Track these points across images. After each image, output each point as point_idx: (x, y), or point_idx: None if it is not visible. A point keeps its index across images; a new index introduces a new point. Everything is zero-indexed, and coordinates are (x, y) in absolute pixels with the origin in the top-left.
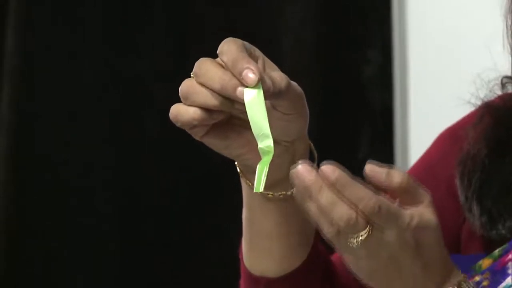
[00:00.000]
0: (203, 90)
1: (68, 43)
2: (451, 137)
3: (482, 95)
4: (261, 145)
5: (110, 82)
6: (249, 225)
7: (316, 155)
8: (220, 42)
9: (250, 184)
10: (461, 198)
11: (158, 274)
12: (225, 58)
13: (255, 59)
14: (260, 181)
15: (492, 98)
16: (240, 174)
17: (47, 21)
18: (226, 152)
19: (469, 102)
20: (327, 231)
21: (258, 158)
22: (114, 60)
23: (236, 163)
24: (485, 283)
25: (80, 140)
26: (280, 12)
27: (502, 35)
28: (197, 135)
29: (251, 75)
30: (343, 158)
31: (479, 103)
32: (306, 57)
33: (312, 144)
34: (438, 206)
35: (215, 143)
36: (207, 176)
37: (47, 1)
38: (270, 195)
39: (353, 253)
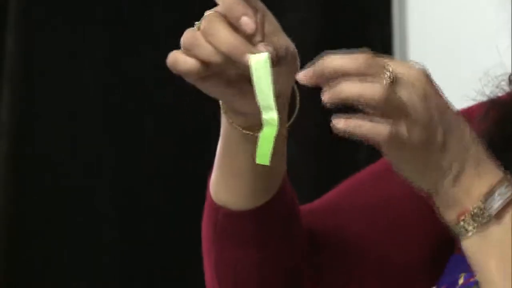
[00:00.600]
0: (208, 46)
1: (68, 44)
2: None
3: (487, 92)
4: (265, 116)
5: (110, 82)
6: (222, 159)
7: (298, 97)
8: None
9: (231, 121)
10: None
11: (158, 274)
12: (221, 7)
13: (255, 10)
14: (266, 154)
15: (499, 94)
16: (222, 110)
17: (47, 21)
18: (214, 96)
19: (473, 100)
20: (376, 91)
21: (248, 104)
22: (114, 60)
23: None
24: None
25: (80, 140)
26: (280, 13)
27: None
28: (190, 80)
29: (248, 22)
30: (344, 158)
31: (484, 99)
32: (307, 57)
33: (295, 87)
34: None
35: (206, 89)
36: (207, 177)
37: (47, 1)
38: (250, 134)
39: (403, 106)
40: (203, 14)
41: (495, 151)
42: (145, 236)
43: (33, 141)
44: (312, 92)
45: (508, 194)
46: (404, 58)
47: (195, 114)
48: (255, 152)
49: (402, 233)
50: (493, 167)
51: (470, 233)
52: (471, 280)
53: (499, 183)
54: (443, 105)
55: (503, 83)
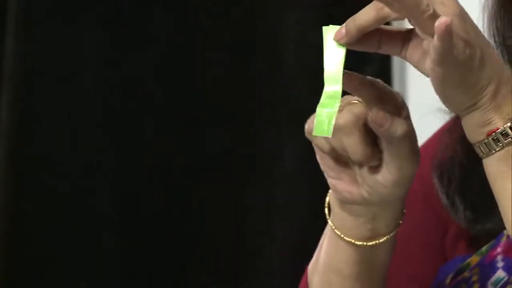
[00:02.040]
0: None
1: (68, 44)
2: (423, 153)
3: None
4: (327, 88)
5: (110, 82)
6: (325, 259)
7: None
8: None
9: (333, 227)
10: (443, 197)
11: (158, 274)
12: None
13: None
14: (326, 125)
15: None
16: (328, 216)
17: (47, 21)
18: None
19: None
20: (423, 7)
21: (348, 188)
22: (115, 60)
23: (328, 198)
24: (474, 278)
25: (80, 140)
26: (280, 14)
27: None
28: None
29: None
30: None
31: None
32: (307, 57)
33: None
34: (420, 223)
35: (322, 159)
36: (206, 177)
37: (47, 1)
38: (355, 242)
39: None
40: (203, 15)
41: (469, 157)
42: (145, 237)
43: (33, 141)
44: (312, 93)
45: None
46: None
47: (195, 114)
48: (357, 256)
49: (407, 269)
50: None
51: (498, 148)
52: (459, 278)
53: None
54: (475, 25)
55: None
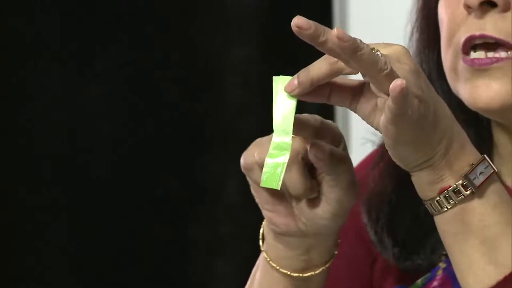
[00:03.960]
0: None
1: (67, 42)
2: None
3: None
4: (276, 139)
5: (110, 82)
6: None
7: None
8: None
9: (268, 259)
10: (371, 234)
11: (156, 273)
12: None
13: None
14: (275, 177)
15: None
16: (261, 247)
17: (45, 18)
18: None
19: None
20: (381, 66)
21: (282, 221)
22: (113, 60)
23: (262, 229)
24: None
25: (80, 140)
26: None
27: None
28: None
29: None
30: None
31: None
32: (254, 91)
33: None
34: (349, 254)
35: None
36: (205, 177)
37: (47, 1)
38: (291, 274)
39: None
40: (203, 15)
41: (397, 190)
42: (145, 235)
43: (32, 141)
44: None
45: (489, 172)
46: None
47: (193, 114)
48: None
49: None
50: (473, 148)
51: (450, 206)
52: None
53: (480, 162)
54: (428, 81)
55: None
